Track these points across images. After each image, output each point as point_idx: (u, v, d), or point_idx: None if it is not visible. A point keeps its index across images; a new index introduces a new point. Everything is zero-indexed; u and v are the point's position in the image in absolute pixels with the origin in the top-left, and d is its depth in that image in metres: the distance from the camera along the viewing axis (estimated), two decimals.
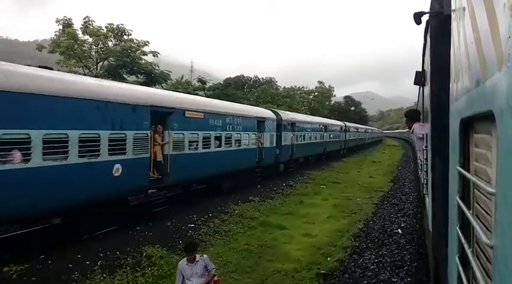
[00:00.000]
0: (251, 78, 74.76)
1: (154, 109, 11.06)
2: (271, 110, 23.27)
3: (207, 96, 28.05)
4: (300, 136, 26.25)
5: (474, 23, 1.74)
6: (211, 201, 14.64)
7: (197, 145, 13.46)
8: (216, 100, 19.44)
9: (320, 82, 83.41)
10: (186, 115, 12.68)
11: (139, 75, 28.32)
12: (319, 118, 37.04)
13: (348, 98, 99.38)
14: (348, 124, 45.97)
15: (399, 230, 11.42)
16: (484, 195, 1.75)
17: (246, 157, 17.78)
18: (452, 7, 2.88)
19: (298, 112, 38.20)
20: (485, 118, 1.58)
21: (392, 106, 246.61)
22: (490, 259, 1.53)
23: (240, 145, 17.02)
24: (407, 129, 9.53)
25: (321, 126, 32.61)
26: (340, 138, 39.70)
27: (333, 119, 47.44)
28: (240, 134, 16.97)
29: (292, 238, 10.92)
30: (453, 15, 2.83)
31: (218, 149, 14.98)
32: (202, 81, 31.16)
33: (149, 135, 10.92)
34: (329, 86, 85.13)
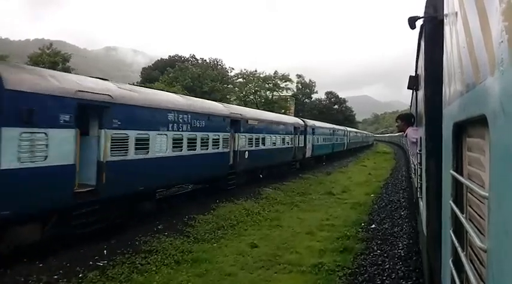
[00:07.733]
0: (185, 58, 62.49)
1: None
2: None
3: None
4: None
5: (467, 27, 1.74)
6: None
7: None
8: None
9: (299, 75, 74.59)
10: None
11: None
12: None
13: (330, 94, 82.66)
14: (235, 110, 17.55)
15: None
16: (477, 198, 1.75)
17: None
18: (445, 11, 2.89)
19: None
20: (478, 123, 1.58)
21: (388, 110, 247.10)
22: (484, 263, 1.53)
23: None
24: (398, 133, 9.53)
25: None
26: (222, 148, 14.98)
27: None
28: None
29: None
30: (446, 20, 2.84)
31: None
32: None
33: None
34: (310, 81, 75.85)
